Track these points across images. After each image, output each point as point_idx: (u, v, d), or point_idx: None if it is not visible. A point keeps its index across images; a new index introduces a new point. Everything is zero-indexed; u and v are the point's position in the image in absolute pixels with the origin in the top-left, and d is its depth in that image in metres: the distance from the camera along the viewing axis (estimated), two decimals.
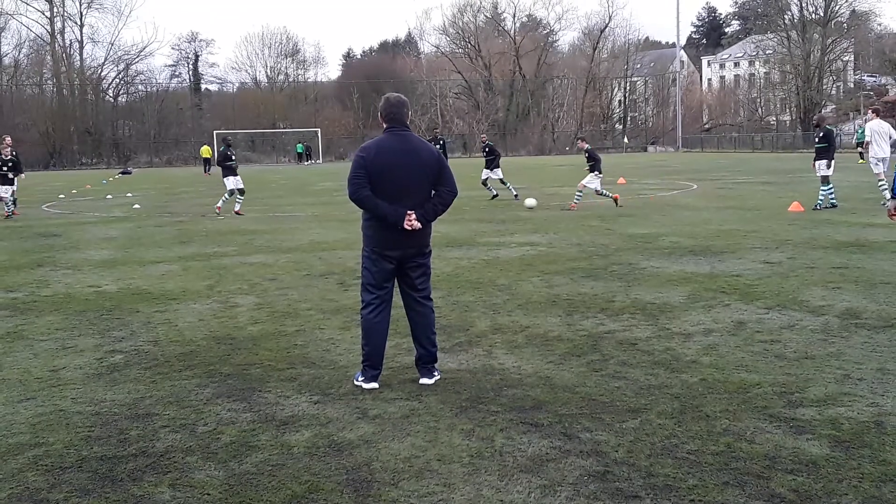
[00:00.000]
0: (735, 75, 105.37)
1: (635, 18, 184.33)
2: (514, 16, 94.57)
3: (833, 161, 16.77)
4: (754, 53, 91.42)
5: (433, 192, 5.50)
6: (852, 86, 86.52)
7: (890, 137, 17.53)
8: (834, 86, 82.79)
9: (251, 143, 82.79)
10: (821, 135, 17.20)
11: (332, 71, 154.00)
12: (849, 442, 4.24)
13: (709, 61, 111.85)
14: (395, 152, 5.39)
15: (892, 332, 6.47)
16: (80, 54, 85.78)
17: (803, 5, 76.75)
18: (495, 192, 22.00)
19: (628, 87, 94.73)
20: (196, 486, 3.95)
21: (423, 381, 5.53)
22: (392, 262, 5.47)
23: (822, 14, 75.79)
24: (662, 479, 3.86)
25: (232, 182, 19.78)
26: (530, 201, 19.44)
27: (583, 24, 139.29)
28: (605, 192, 18.80)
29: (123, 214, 21.54)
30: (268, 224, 17.46)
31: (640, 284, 8.92)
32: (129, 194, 30.69)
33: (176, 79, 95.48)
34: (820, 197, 16.58)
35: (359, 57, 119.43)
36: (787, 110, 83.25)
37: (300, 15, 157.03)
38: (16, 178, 21.59)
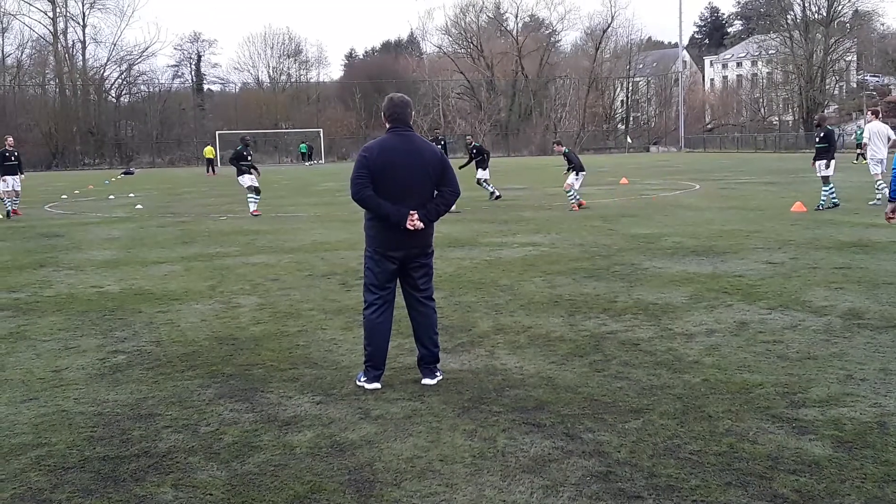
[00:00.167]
0: (738, 75, 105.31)
1: (638, 18, 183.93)
2: (517, 16, 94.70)
3: (833, 161, 16.77)
4: (757, 53, 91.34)
5: (436, 192, 5.51)
6: (855, 86, 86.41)
7: (889, 139, 17.56)
8: (837, 86, 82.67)
9: (253, 143, 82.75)
10: (821, 135, 17.19)
11: (334, 71, 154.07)
12: (851, 442, 4.24)
13: (711, 61, 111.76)
14: (398, 152, 5.39)
15: (894, 333, 6.46)
16: (83, 55, 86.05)
17: (806, 5, 76.75)
18: (492, 190, 22.11)
19: (631, 88, 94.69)
20: (198, 487, 3.95)
21: (426, 381, 5.53)
22: (394, 262, 5.47)
23: (824, 14, 75.70)
24: (665, 479, 3.86)
25: (248, 179, 19.70)
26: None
27: (585, 24, 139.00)
28: (572, 194, 18.74)
29: (126, 215, 21.56)
30: (270, 224, 17.47)
31: (643, 285, 8.92)
32: (131, 195, 30.73)
33: (178, 79, 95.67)
34: (822, 197, 16.57)
35: (361, 57, 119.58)
36: (790, 110, 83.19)
37: (302, 15, 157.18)
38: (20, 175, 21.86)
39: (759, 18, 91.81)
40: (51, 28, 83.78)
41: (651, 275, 9.52)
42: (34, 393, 5.58)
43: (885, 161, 17.24)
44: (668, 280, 9.14)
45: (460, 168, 21.71)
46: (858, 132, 39.11)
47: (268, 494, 3.84)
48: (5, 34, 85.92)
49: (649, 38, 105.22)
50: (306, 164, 67.67)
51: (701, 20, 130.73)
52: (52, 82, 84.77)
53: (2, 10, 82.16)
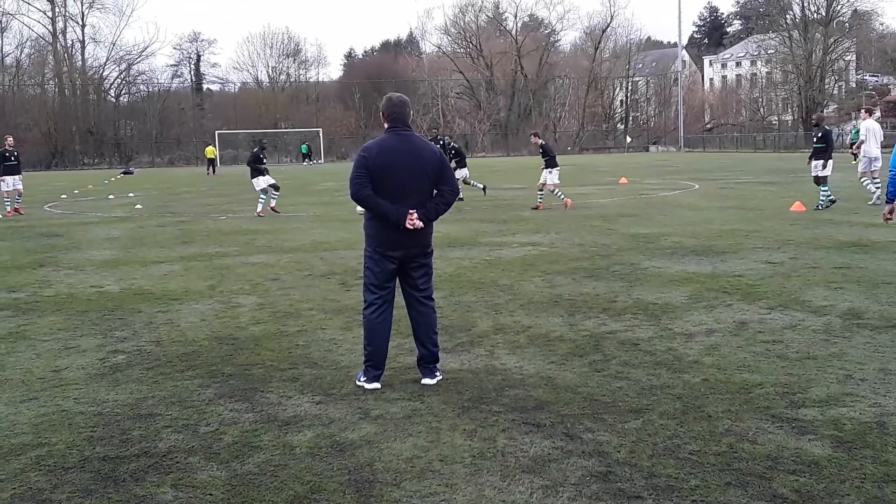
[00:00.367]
0: (737, 75, 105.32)
1: (637, 18, 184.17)
2: (516, 15, 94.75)
3: (831, 161, 16.80)
4: (756, 53, 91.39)
5: (435, 191, 5.51)
6: (854, 85, 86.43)
7: (880, 138, 17.79)
8: (836, 85, 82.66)
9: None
10: (819, 135, 17.21)
11: (333, 71, 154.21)
12: (851, 442, 4.24)
13: (710, 61, 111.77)
14: (396, 152, 5.40)
15: (894, 333, 6.46)
16: (82, 54, 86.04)
17: (805, 5, 76.71)
18: (481, 186, 22.27)
19: (630, 87, 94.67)
20: (198, 487, 3.95)
21: (425, 381, 5.53)
22: (394, 261, 5.47)
23: (823, 14, 75.69)
24: (664, 479, 3.86)
25: (262, 182, 19.71)
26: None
27: (584, 23, 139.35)
28: (543, 193, 18.80)
29: (125, 214, 21.56)
30: (269, 224, 17.47)
31: (642, 284, 8.92)
32: (131, 194, 30.72)
33: (178, 79, 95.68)
34: (821, 197, 16.58)
35: (360, 57, 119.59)
36: (789, 110, 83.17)
37: (302, 15, 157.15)
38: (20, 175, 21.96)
39: (758, 18, 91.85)
40: (50, 27, 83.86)
41: (651, 274, 9.53)
42: (34, 393, 5.58)
43: (879, 159, 17.38)
44: (667, 280, 9.14)
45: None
46: (854, 132, 39.18)
47: (268, 494, 3.84)
48: (4, 34, 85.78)
49: (648, 37, 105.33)
50: (305, 163, 67.62)
51: (700, 20, 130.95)
52: (51, 82, 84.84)
53: (1, 9, 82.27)
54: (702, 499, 3.65)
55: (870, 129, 17.73)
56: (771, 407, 4.82)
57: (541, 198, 18.88)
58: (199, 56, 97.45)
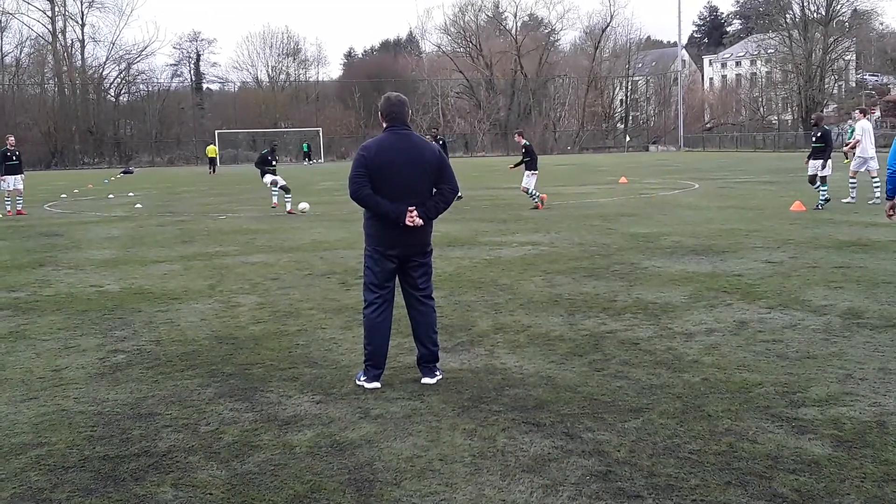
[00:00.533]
0: (737, 74, 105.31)
1: (637, 18, 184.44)
2: (516, 15, 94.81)
3: (830, 161, 16.82)
4: (756, 53, 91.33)
5: (434, 190, 5.51)
6: (854, 85, 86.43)
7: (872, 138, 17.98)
8: (836, 85, 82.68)
9: (252, 142, 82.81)
10: (818, 134, 17.22)
11: (333, 70, 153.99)
12: (851, 442, 4.24)
13: (710, 60, 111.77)
14: (395, 151, 5.40)
15: (894, 332, 6.47)
16: (82, 54, 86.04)
17: (805, 4, 76.69)
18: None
19: (630, 87, 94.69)
20: (198, 486, 3.95)
21: (425, 380, 5.53)
22: (394, 260, 5.48)
23: (823, 13, 75.68)
24: (664, 478, 3.86)
25: (269, 178, 19.90)
26: (304, 206, 19.53)
27: (584, 23, 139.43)
28: (535, 193, 18.81)
29: (125, 214, 21.55)
30: (269, 223, 17.47)
31: (642, 284, 8.92)
32: (130, 194, 30.71)
33: (177, 78, 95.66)
34: (821, 197, 16.58)
35: (360, 56, 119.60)
36: (789, 109, 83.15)
37: (301, 14, 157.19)
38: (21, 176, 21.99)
39: (757, 17, 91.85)
40: (49, 27, 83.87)
41: (650, 274, 9.53)
42: (34, 392, 5.58)
43: (874, 159, 17.48)
44: (667, 279, 9.14)
45: None
46: (849, 131, 39.26)
47: (268, 494, 3.84)
48: (4, 33, 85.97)
49: (648, 37, 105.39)
50: (305, 163, 67.61)
51: (700, 19, 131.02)
52: (50, 81, 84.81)
53: (0, 8, 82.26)
54: (702, 498, 3.66)
55: (865, 129, 17.79)
56: (771, 406, 4.82)
57: (535, 196, 18.86)
58: (198, 55, 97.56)
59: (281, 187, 19.74)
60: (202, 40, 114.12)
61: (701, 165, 41.59)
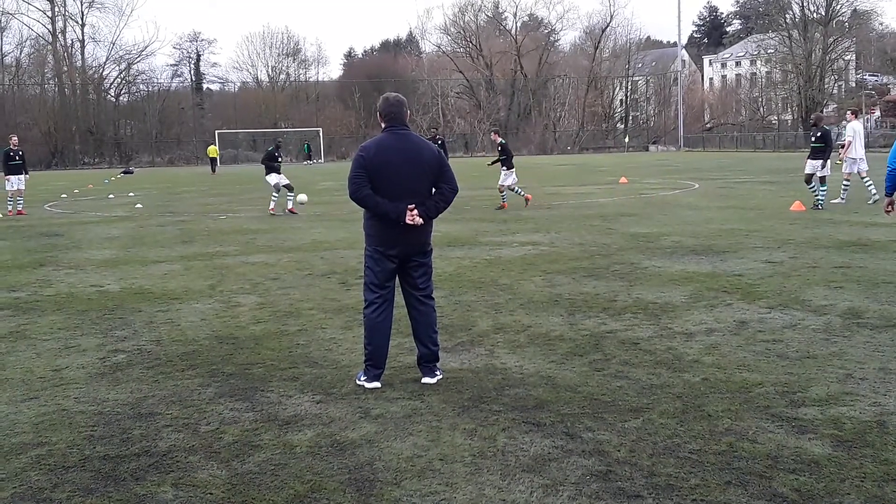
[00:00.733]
0: (736, 74, 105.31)
1: (637, 18, 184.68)
2: (516, 15, 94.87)
3: (829, 161, 16.83)
4: (756, 53, 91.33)
5: (434, 189, 5.51)
6: (854, 85, 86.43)
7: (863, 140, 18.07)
8: (835, 85, 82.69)
9: (253, 142, 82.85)
10: (818, 134, 17.23)
11: (333, 70, 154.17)
12: (851, 441, 4.24)
13: (710, 60, 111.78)
14: (394, 151, 5.40)
15: (894, 332, 6.47)
16: (82, 54, 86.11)
17: (804, 4, 76.74)
18: None
19: (630, 87, 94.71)
20: (199, 486, 3.96)
21: (426, 380, 5.53)
22: (394, 260, 5.48)
23: (823, 13, 75.71)
24: (664, 478, 3.86)
25: (274, 178, 19.84)
26: (302, 197, 19.60)
27: (584, 23, 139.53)
28: (519, 189, 19.00)
29: (125, 214, 21.56)
30: (269, 223, 17.47)
31: (642, 284, 8.92)
32: (131, 194, 30.72)
33: (178, 78, 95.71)
34: (821, 197, 16.58)
35: (360, 56, 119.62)
36: (789, 109, 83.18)
37: (301, 14, 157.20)
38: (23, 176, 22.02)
39: (757, 18, 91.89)
40: (49, 27, 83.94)
41: (650, 274, 9.53)
42: (34, 392, 5.59)
43: (864, 160, 17.54)
44: (667, 279, 9.14)
45: None
46: (844, 131, 39.33)
47: (268, 494, 3.84)
48: (4, 33, 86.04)
49: (648, 37, 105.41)
50: (305, 163, 67.61)
51: (700, 19, 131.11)
52: (50, 81, 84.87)
53: (1, 8, 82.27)
54: (702, 498, 3.66)
55: (857, 130, 17.81)
56: (771, 406, 4.83)
57: (519, 192, 19.25)
58: (198, 55, 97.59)
59: (284, 186, 19.74)
60: (202, 40, 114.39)
61: (701, 165, 41.59)
